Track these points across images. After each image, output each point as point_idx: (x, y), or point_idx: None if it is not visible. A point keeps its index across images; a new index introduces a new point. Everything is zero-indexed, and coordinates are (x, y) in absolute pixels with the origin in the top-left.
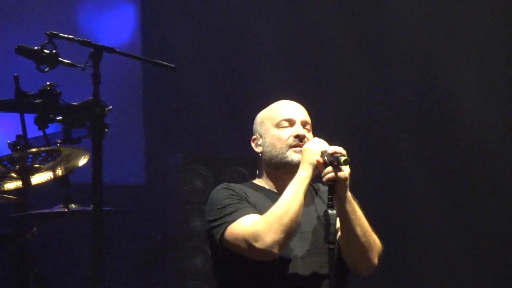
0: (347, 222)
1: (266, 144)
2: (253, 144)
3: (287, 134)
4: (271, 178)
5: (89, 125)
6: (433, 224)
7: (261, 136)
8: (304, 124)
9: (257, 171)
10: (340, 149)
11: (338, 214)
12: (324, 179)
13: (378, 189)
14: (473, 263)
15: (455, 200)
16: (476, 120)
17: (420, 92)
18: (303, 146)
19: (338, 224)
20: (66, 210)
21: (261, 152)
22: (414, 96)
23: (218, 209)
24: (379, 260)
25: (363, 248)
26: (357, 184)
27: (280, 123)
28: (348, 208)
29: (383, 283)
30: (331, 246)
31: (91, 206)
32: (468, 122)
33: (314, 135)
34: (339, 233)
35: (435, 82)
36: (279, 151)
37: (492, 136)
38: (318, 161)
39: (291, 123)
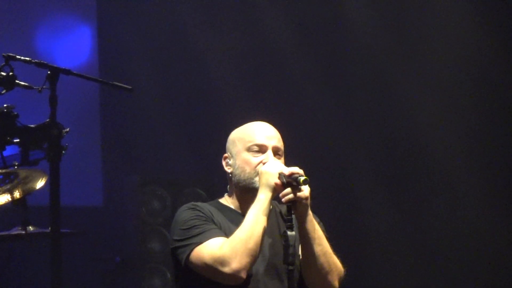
0: (307, 241)
1: (236, 166)
2: (224, 163)
3: (257, 161)
4: (239, 198)
5: (46, 147)
6: (392, 239)
7: (232, 156)
8: (275, 151)
9: (228, 187)
10: (297, 170)
11: (299, 234)
12: (283, 200)
13: (336, 210)
14: (433, 277)
15: (414, 220)
16: (433, 140)
17: (378, 112)
18: (260, 169)
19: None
20: (24, 232)
21: (230, 173)
22: (372, 116)
23: (184, 229)
24: (340, 284)
25: (323, 270)
26: (317, 206)
27: (252, 147)
28: (309, 227)
29: None
30: (290, 267)
31: (49, 228)
32: (424, 142)
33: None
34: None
35: (393, 102)
36: (247, 176)
37: (449, 154)
38: (276, 183)
39: (263, 149)
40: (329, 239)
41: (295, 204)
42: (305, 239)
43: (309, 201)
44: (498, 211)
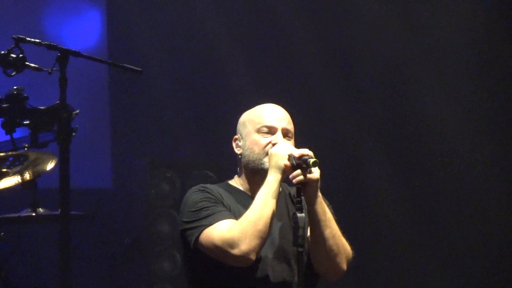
0: (316, 223)
1: (246, 147)
2: (234, 144)
3: (266, 141)
4: (248, 180)
5: (56, 129)
6: (401, 229)
7: (242, 138)
8: (285, 132)
9: (238, 169)
10: (306, 151)
11: (308, 216)
12: (293, 182)
13: (345, 194)
14: (439, 265)
15: (422, 204)
16: (439, 123)
17: (384, 96)
18: (269, 151)
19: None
20: (33, 214)
21: (240, 154)
22: (379, 100)
23: (194, 211)
24: (348, 266)
25: (331, 252)
26: (325, 190)
27: (261, 129)
28: (318, 209)
29: None
30: (300, 249)
31: (59, 210)
32: (431, 125)
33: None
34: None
35: (400, 86)
36: (256, 157)
37: (456, 139)
38: (285, 165)
39: (272, 130)
40: (338, 221)
41: (305, 186)
42: (314, 221)
43: (319, 183)
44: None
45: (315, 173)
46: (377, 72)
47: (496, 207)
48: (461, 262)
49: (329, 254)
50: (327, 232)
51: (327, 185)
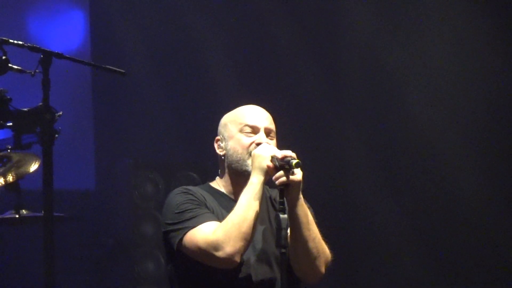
0: (297, 226)
1: (228, 148)
2: (215, 145)
3: (249, 141)
4: (231, 181)
5: (39, 131)
6: (384, 228)
7: (224, 139)
8: (268, 132)
9: (219, 170)
10: (289, 153)
11: (289, 218)
12: (276, 183)
13: (329, 196)
14: (424, 267)
15: (406, 203)
16: (425, 123)
17: (371, 94)
18: (252, 152)
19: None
20: (17, 216)
21: (223, 155)
22: (366, 99)
23: (177, 213)
24: (326, 269)
25: (311, 255)
26: (308, 189)
27: (244, 128)
28: (300, 211)
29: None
30: (283, 250)
31: (42, 212)
32: (418, 125)
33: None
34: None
35: (386, 85)
36: (240, 157)
37: (442, 136)
38: (268, 166)
39: (255, 130)
40: (319, 224)
41: (287, 188)
42: (295, 223)
43: (301, 185)
44: (501, 199)
45: (298, 174)
46: (362, 72)
47: (483, 204)
48: (449, 261)
49: (309, 257)
50: (308, 235)
51: (311, 187)
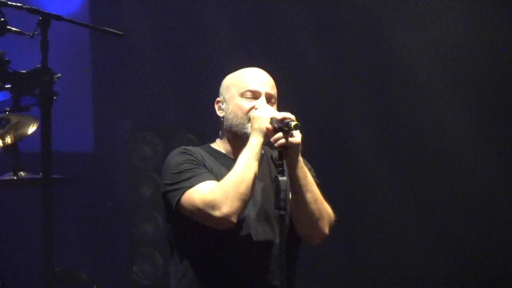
0: (298, 188)
1: (229, 111)
2: (216, 107)
3: (250, 106)
4: (230, 143)
5: (37, 93)
6: (384, 191)
7: (224, 101)
8: (269, 97)
9: (219, 132)
10: (289, 115)
11: (289, 180)
12: (275, 145)
13: (328, 157)
14: (427, 238)
15: (409, 178)
16: (428, 86)
17: (371, 59)
18: (252, 114)
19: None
20: (15, 178)
21: (222, 117)
22: (366, 63)
23: (176, 173)
24: (330, 230)
25: (313, 216)
26: (308, 152)
27: (245, 93)
28: (299, 173)
29: (337, 255)
30: (282, 213)
31: (40, 174)
32: (420, 88)
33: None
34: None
35: (389, 49)
36: (239, 121)
37: (444, 102)
38: (267, 128)
39: (256, 95)
40: (320, 185)
41: (287, 150)
42: (296, 185)
43: (300, 147)
44: (503, 166)
45: (297, 136)
46: (364, 36)
47: (484, 171)
48: (454, 248)
49: (311, 218)
50: (309, 197)
51: (310, 149)
